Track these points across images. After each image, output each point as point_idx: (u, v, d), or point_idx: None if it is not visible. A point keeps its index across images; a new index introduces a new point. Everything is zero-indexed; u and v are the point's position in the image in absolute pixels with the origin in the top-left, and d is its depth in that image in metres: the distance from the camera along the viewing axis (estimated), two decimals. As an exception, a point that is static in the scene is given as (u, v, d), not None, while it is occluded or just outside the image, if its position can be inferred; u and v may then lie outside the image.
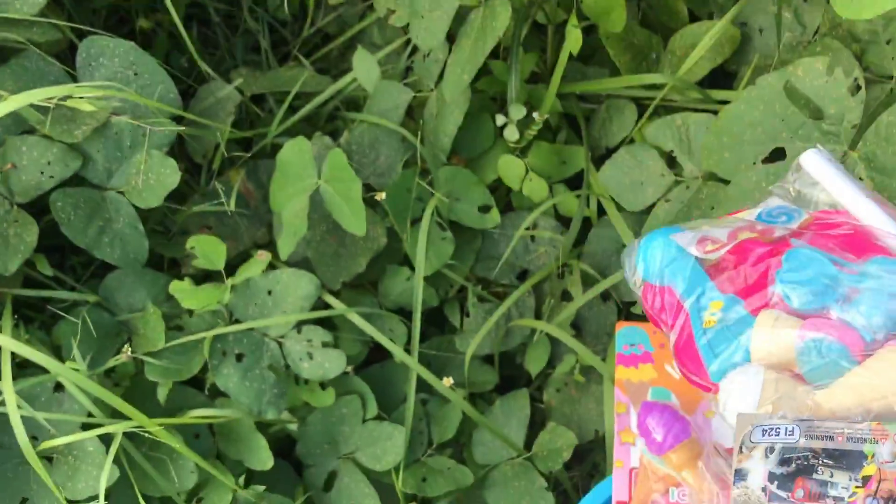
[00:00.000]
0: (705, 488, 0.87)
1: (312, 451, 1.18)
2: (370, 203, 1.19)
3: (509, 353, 1.28)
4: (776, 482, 0.48)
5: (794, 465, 0.48)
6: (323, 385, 1.16)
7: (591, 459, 1.24)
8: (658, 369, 1.00)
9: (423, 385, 1.25)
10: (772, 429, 0.51)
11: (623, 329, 1.02)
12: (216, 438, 1.12)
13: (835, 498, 0.46)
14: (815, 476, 0.48)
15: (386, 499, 1.14)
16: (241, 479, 1.10)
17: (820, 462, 0.48)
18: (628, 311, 1.19)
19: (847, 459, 0.47)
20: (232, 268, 1.12)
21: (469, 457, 1.18)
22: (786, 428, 0.51)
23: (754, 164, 0.95)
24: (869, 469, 0.48)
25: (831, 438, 0.50)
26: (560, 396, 1.18)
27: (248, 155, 1.24)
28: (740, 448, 0.51)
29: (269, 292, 1.10)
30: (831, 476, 0.48)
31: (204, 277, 1.14)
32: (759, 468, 0.50)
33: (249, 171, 1.23)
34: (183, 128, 1.12)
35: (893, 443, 0.48)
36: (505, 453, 1.16)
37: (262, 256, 1.10)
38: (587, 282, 1.17)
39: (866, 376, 0.52)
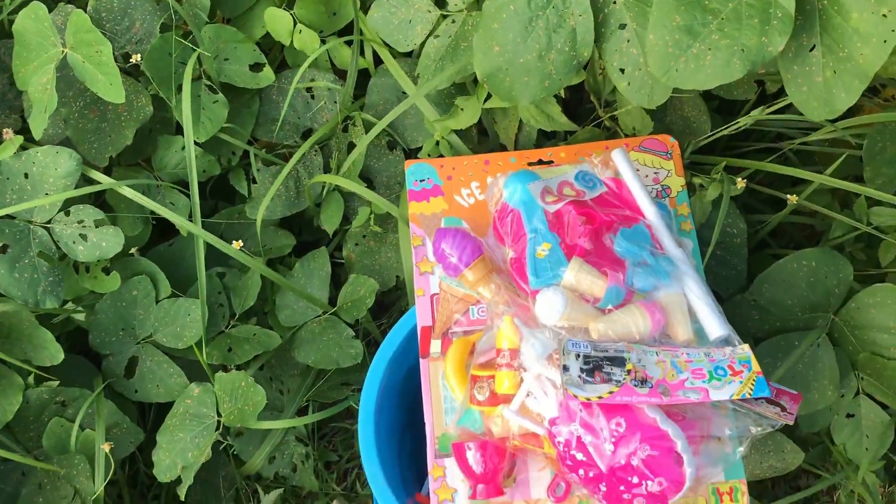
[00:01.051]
0: (501, 299, 0.92)
1: (107, 339, 1.11)
2: (131, 73, 1.10)
3: (305, 218, 1.26)
4: (584, 373, 0.79)
5: (591, 365, 0.80)
6: (107, 270, 1.09)
7: (396, 307, 1.27)
8: (448, 200, 1.03)
9: (218, 258, 1.21)
10: (576, 343, 0.82)
11: (412, 166, 1.03)
12: (-5, 340, 1.03)
13: (616, 381, 0.78)
14: (603, 370, 0.80)
15: (193, 374, 1.11)
16: (31, 378, 1.02)
17: (604, 363, 0.80)
18: (415, 157, 1.20)
19: (617, 362, 0.80)
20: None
21: (275, 322, 1.16)
22: (583, 344, 0.82)
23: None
24: (629, 366, 0.81)
25: (606, 351, 0.82)
26: (359, 250, 1.18)
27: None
28: (562, 352, 0.81)
29: (26, 175, 1.00)
30: (611, 370, 0.80)
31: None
32: (574, 365, 0.80)
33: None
34: None
35: (636, 353, 0.82)
36: (310, 312, 1.16)
37: (9, 135, 0.99)
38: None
39: (617, 321, 0.85)
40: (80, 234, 1.03)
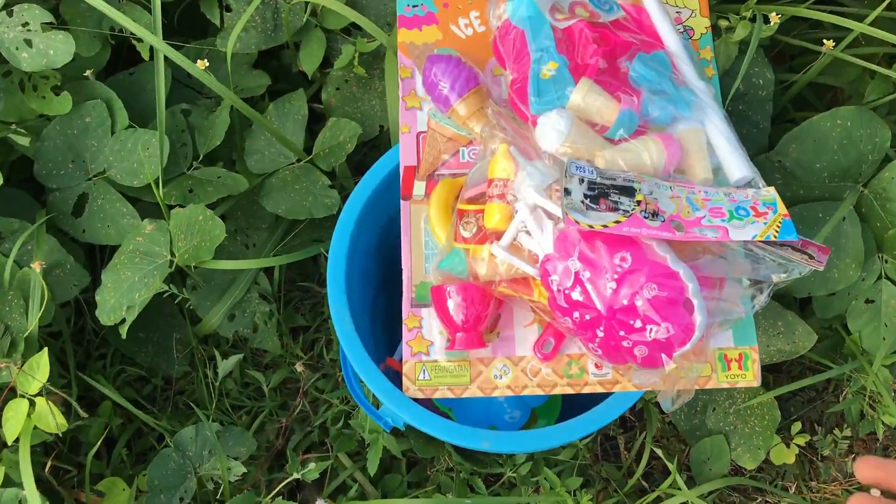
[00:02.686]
0: (497, 126, 0.81)
1: (54, 171, 1.00)
2: None
3: (282, 62, 1.14)
4: (588, 199, 0.69)
5: (596, 191, 0.70)
6: (57, 90, 0.97)
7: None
8: (443, 30, 0.91)
9: (183, 95, 1.09)
10: (580, 167, 0.72)
11: (404, -13, 0.91)
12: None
13: (624, 210, 0.69)
14: (610, 198, 0.70)
15: (149, 217, 1.00)
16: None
17: (611, 191, 0.70)
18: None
19: (626, 191, 0.70)
20: None
21: (243, 170, 1.05)
22: (588, 168, 0.72)
23: None
24: (639, 197, 0.70)
25: (614, 179, 0.71)
26: (341, 95, 1.07)
27: None
28: (564, 174, 0.70)
29: (-37, -39, 0.88)
30: (619, 199, 0.70)
31: None
32: (577, 189, 0.70)
33: None
34: None
35: (648, 185, 0.72)
36: (283, 159, 1.04)
37: None
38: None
39: (629, 149, 0.74)
40: (24, 39, 0.90)
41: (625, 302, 0.70)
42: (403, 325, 0.84)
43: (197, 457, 0.97)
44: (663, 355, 0.72)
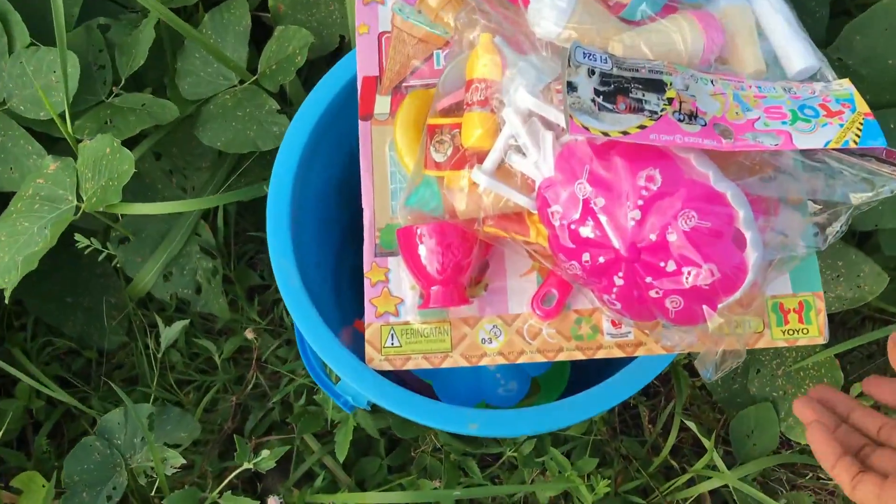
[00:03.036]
0: (477, 20, 0.61)
1: (-62, 102, 0.81)
2: None
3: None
4: (601, 97, 0.51)
5: (612, 86, 0.52)
6: (-68, 0, 0.78)
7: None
8: None
9: (101, 7, 0.90)
10: (590, 54, 0.53)
11: None
12: None
13: (650, 111, 0.51)
14: (631, 95, 0.52)
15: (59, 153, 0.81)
16: None
17: (632, 86, 0.52)
18: None
19: (653, 86, 0.52)
20: None
21: (175, 96, 0.86)
22: (601, 56, 0.53)
23: None
24: (671, 93, 0.52)
25: (637, 70, 0.53)
26: (291, 0, 0.87)
27: None
28: (568, 63, 0.52)
29: None
30: (643, 96, 0.52)
31: None
32: (585, 84, 0.52)
33: None
34: None
35: (682, 78, 0.53)
36: (222, 81, 0.85)
37: None
38: None
39: (655, 31, 0.56)
40: None
41: (652, 237, 0.51)
42: (366, 280, 0.66)
43: (127, 446, 0.80)
44: (705, 307, 0.53)
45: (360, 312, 0.84)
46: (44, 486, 0.81)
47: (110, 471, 0.79)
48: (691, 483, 0.84)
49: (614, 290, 0.55)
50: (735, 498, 0.82)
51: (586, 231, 0.53)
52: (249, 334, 0.85)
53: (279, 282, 0.65)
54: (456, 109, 0.61)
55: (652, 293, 0.53)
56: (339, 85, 0.71)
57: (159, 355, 0.90)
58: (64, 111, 0.79)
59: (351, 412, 0.68)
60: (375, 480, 0.87)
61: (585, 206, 0.53)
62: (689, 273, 0.51)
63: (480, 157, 0.59)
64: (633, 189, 0.51)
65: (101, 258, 0.85)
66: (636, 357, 0.63)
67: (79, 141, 0.79)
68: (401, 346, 0.64)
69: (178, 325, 0.89)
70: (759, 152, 0.53)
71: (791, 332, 0.61)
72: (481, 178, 0.57)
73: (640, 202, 0.51)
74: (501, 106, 0.57)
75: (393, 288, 0.65)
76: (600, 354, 0.63)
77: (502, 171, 0.58)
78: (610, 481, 0.82)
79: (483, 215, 0.60)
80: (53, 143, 0.83)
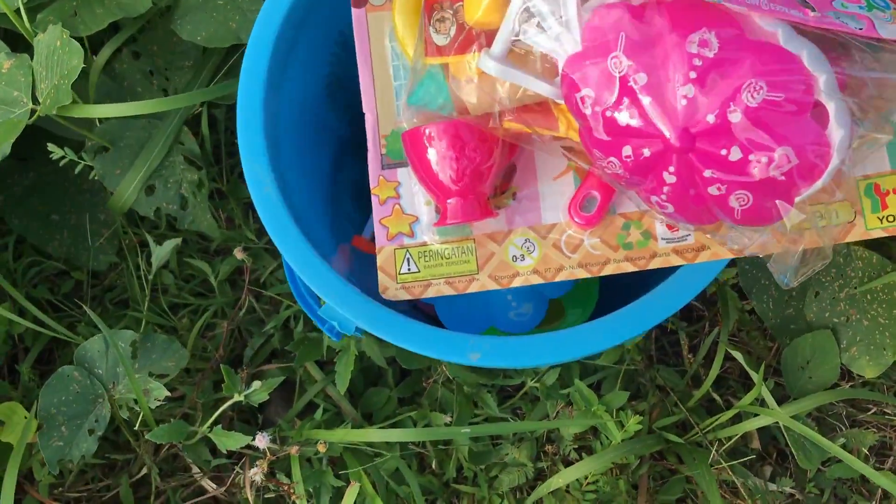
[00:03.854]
0: None
1: None
2: None
3: None
4: None
5: None
6: None
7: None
8: None
9: None
10: None
11: None
12: None
13: None
14: None
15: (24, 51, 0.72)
16: None
17: None
18: None
19: None
20: None
21: (153, -15, 0.76)
22: None
23: None
24: None
25: None
26: None
27: None
28: None
29: None
30: None
31: None
32: None
33: None
34: None
35: None
36: (203, -34, 0.74)
37: None
38: None
39: None
40: None
41: (710, 119, 0.40)
42: (373, 197, 0.56)
43: (109, 375, 0.73)
44: (779, 202, 0.42)
45: (360, 227, 0.75)
46: (25, 417, 0.75)
47: (91, 403, 0.73)
48: (737, 420, 0.74)
49: (665, 189, 0.44)
50: (787, 437, 0.72)
51: (625, 117, 0.43)
52: (239, 254, 0.77)
53: (251, 189, 0.56)
54: (456, -23, 0.50)
55: (712, 190, 0.42)
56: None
57: (150, 277, 0.83)
58: (19, 6, 0.69)
59: (338, 339, 0.59)
60: (384, 413, 0.79)
61: (623, 86, 0.42)
62: (758, 161, 0.40)
63: (490, 37, 0.48)
64: (683, 59, 0.40)
65: (77, 169, 0.77)
66: (679, 269, 0.53)
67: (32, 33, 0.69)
68: (419, 272, 0.55)
69: (169, 245, 0.81)
70: (844, 34, 0.41)
71: (891, 219, 0.50)
72: (490, 64, 0.47)
73: (693, 74, 0.40)
74: (509, -33, 0.45)
75: (405, 205, 0.56)
76: (655, 264, 0.53)
77: (515, 54, 0.47)
78: (643, 417, 0.73)
79: (499, 109, 0.49)
80: (19, 40, 0.74)
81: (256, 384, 0.71)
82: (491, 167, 0.52)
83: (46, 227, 0.85)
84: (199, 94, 0.71)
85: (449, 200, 0.52)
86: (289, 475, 0.75)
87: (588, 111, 0.44)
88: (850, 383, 0.77)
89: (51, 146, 0.74)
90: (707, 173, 0.41)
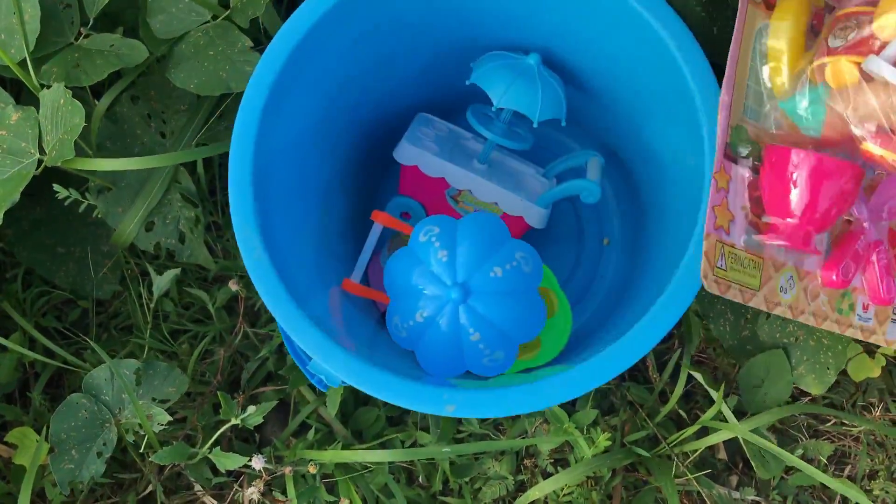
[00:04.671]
0: None
1: None
2: None
3: None
4: None
5: None
6: None
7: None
8: None
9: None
10: None
11: None
12: None
13: None
14: None
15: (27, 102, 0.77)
16: None
17: None
18: None
19: None
20: None
21: (148, 35, 0.81)
22: None
23: None
24: None
25: None
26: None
27: None
28: None
29: None
30: None
31: None
32: None
33: None
34: None
35: None
36: (194, 18, 0.80)
37: None
38: None
39: None
40: None
41: None
42: (712, 182, 0.57)
43: (115, 401, 0.79)
44: None
45: (351, 269, 0.80)
46: (36, 440, 0.80)
47: (98, 428, 0.78)
48: (703, 433, 0.80)
49: None
50: (746, 449, 0.77)
51: None
52: (234, 286, 0.82)
53: (244, 255, 0.61)
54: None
55: None
56: (319, 11, 0.63)
57: (152, 305, 0.88)
58: (25, 58, 0.75)
59: (325, 390, 0.64)
60: (373, 431, 0.84)
61: None
62: None
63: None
64: None
65: (81, 208, 0.82)
66: (648, 311, 0.57)
67: (48, 88, 0.75)
68: (725, 270, 0.57)
69: (169, 275, 0.86)
70: None
71: None
72: (881, 65, 0.46)
73: None
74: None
75: (730, 200, 0.58)
76: (848, 333, 0.60)
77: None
78: (615, 432, 0.78)
79: (866, 129, 0.51)
80: (22, 91, 0.80)
81: (251, 409, 0.76)
82: (840, 214, 0.56)
83: (53, 258, 0.90)
84: (192, 153, 0.76)
85: (788, 219, 0.56)
86: (284, 492, 0.80)
87: None
88: (808, 398, 0.83)
89: (56, 187, 0.79)
90: None
